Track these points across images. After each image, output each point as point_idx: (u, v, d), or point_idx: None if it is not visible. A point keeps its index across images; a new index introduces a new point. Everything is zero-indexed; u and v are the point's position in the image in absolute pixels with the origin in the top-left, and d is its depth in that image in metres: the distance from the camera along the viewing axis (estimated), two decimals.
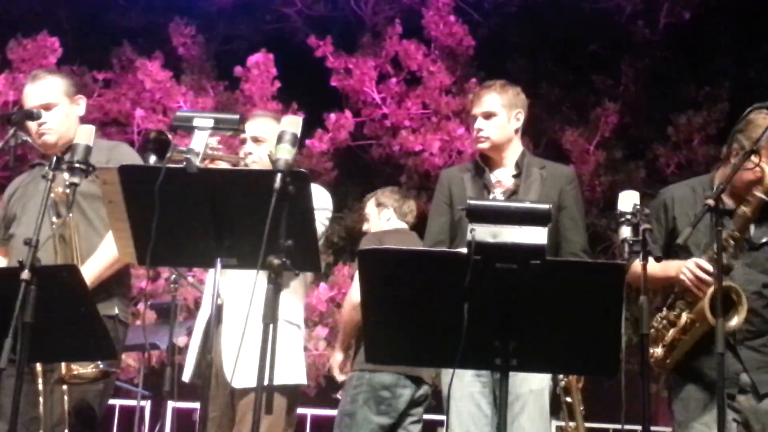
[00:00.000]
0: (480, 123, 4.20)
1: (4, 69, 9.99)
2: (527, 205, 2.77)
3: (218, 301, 4.03)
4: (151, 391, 7.48)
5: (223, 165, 3.88)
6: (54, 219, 3.87)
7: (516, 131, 4.26)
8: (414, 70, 10.52)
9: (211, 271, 4.11)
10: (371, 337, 2.89)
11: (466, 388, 4.00)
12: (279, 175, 2.87)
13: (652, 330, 3.98)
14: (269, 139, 4.03)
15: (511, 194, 4.13)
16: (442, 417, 5.82)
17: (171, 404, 7.27)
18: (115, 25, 11.44)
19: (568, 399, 5.50)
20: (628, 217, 3.21)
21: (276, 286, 2.86)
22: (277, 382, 3.05)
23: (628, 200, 3.27)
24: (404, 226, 5.66)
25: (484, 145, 4.20)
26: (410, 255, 2.89)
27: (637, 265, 3.79)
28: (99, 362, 3.68)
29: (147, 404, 7.93)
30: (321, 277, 9.30)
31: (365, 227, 5.75)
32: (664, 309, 3.98)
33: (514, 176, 4.19)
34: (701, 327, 3.74)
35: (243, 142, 4.14)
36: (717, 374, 3.33)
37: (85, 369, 3.67)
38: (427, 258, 2.87)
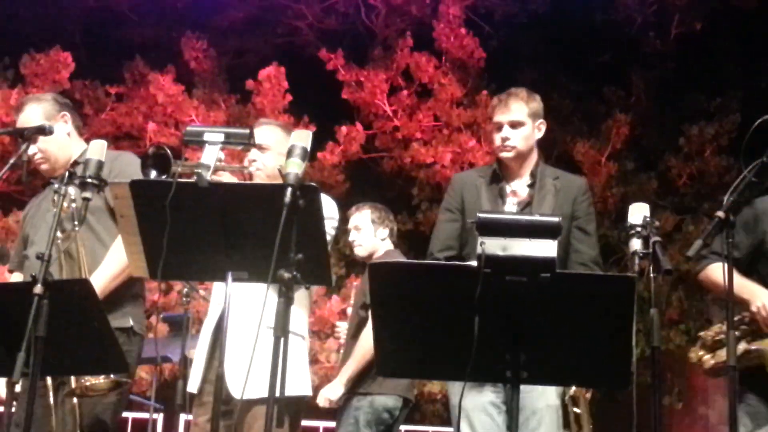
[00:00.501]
0: (507, 131, 4.14)
1: (17, 84, 10.05)
2: (537, 218, 2.78)
3: (221, 310, 4.06)
4: (164, 403, 7.49)
5: (227, 175, 3.90)
6: (59, 234, 3.88)
7: (537, 141, 4.24)
8: (425, 82, 10.54)
9: (216, 282, 4.14)
10: (382, 350, 2.89)
11: (479, 398, 3.98)
12: (289, 189, 2.89)
13: (708, 336, 3.99)
14: (273, 146, 4.06)
15: (526, 205, 4.11)
16: (449, 429, 5.80)
17: (183, 417, 7.28)
18: (127, 39, 11.49)
19: (576, 410, 5.46)
20: (638, 229, 3.20)
21: (287, 299, 2.87)
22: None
23: (638, 213, 3.26)
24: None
25: (510, 155, 4.15)
26: (420, 268, 2.89)
27: (711, 269, 3.79)
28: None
29: (159, 417, 7.95)
30: (333, 289, 9.31)
31: (352, 237, 5.66)
32: (723, 324, 3.96)
33: (529, 186, 4.17)
34: (756, 361, 3.76)
35: (247, 149, 4.15)
36: (728, 389, 3.32)
37: (97, 380, 3.68)
38: (437, 271, 2.87)
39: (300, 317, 4.03)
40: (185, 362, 5.24)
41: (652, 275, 3.14)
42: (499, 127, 4.18)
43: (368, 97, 10.43)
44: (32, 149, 4.11)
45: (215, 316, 4.08)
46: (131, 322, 4.03)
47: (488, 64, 10.89)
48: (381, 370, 2.96)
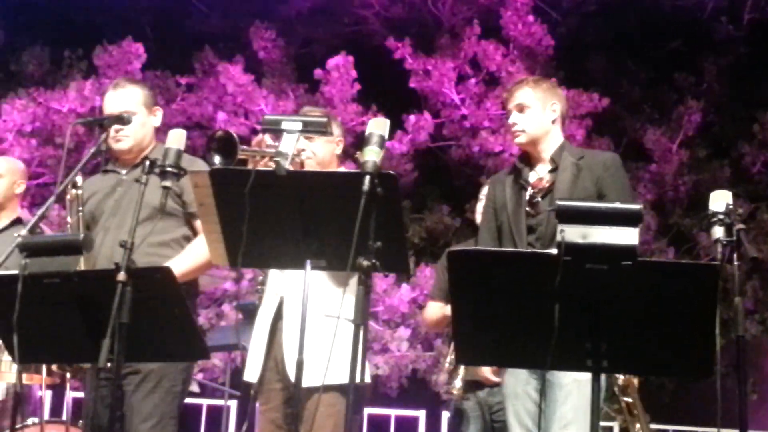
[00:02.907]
0: (514, 117, 4.18)
1: (90, 75, 10.22)
2: (617, 205, 2.74)
3: (278, 298, 4.10)
4: (241, 390, 7.55)
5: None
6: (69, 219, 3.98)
7: (553, 122, 4.22)
8: (493, 70, 10.44)
9: (272, 271, 4.18)
10: (461, 338, 2.89)
11: (521, 386, 4.02)
12: (368, 177, 2.90)
13: None
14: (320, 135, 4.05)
15: (547, 192, 4.11)
16: None
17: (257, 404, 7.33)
18: (197, 30, 11.60)
19: (627, 399, 5.37)
20: (721, 217, 3.16)
21: (366, 287, 2.88)
22: (340, 381, 3.08)
23: (720, 200, 3.21)
24: None
25: (520, 140, 4.19)
26: (500, 256, 2.88)
27: None
28: None
29: (233, 404, 8.03)
30: (403, 278, 9.32)
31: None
32: None
33: (550, 171, 4.16)
34: None
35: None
36: None
37: None
38: (516, 259, 2.86)
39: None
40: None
41: (736, 263, 3.09)
42: (509, 115, 4.23)
43: (436, 86, 10.37)
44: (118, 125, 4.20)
45: (272, 304, 4.11)
46: None
47: (556, 51, 10.77)
48: (460, 358, 2.95)
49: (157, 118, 4.34)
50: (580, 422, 3.80)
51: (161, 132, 4.41)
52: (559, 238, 2.63)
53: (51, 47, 10.99)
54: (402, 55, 10.32)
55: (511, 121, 4.20)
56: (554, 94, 4.26)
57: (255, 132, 10.03)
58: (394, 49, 10.32)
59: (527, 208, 4.11)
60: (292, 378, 3.78)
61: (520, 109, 4.18)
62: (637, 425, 5.39)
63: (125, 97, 4.30)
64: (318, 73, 10.18)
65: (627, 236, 2.62)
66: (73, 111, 9.70)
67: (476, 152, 10.39)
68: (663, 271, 2.77)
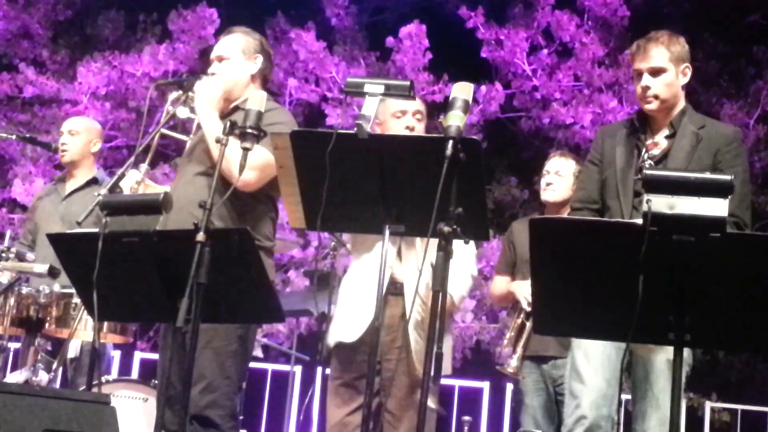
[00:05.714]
0: (647, 80, 3.93)
1: (164, 39, 10.31)
2: (707, 175, 2.67)
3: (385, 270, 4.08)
4: (310, 355, 7.60)
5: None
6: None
7: (682, 87, 4.03)
8: (566, 41, 10.31)
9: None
10: (541, 309, 2.85)
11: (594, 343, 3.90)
12: (450, 142, 2.87)
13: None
14: (402, 98, 3.98)
15: (662, 158, 3.93)
16: None
17: (320, 370, 7.41)
18: None
19: None
20: None
21: (446, 253, 2.85)
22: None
23: None
24: None
25: (652, 106, 3.96)
26: (583, 225, 2.83)
27: None
28: None
29: (298, 369, 8.10)
30: None
31: (550, 180, 5.40)
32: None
33: (668, 137, 3.98)
34: None
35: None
36: None
37: None
38: (600, 228, 2.81)
39: None
40: (328, 317, 5.31)
41: None
42: (639, 74, 3.98)
43: (507, 56, 10.26)
44: (216, 68, 4.21)
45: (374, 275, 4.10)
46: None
47: (632, 23, 10.59)
48: (539, 329, 2.91)
49: (255, 65, 4.26)
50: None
51: None
52: (645, 208, 2.58)
53: (126, 11, 11.10)
54: (474, 24, 10.22)
55: (644, 84, 3.93)
56: (687, 55, 4.02)
57: (325, 99, 10.04)
58: (467, 18, 10.21)
59: (638, 172, 3.90)
60: (419, 366, 3.75)
61: (655, 72, 3.94)
62: None
63: (225, 43, 4.30)
64: (390, 41, 10.12)
65: (716, 207, 2.55)
66: (147, 75, 9.80)
67: (546, 124, 10.28)
68: (753, 244, 2.70)
